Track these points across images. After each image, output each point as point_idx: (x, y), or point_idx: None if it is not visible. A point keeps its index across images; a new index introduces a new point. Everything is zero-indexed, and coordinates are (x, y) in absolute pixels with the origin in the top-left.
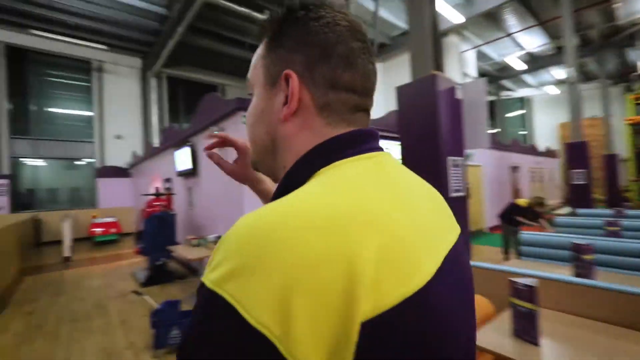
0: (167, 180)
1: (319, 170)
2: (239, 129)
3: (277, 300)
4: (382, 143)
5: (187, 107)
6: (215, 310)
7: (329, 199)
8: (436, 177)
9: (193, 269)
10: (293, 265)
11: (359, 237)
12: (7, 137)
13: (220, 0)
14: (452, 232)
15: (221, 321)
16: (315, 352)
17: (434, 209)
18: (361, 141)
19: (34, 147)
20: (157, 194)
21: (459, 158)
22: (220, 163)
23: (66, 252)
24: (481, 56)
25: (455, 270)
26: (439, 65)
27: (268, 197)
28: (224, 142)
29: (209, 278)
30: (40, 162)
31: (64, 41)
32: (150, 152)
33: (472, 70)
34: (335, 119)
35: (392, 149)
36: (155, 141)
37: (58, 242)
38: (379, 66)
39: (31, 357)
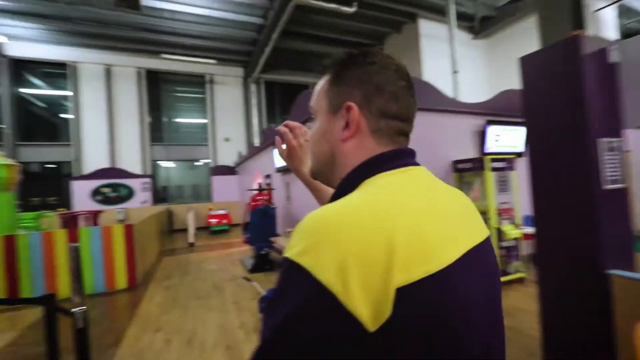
0: (267, 176)
1: (365, 180)
2: None
3: (337, 267)
4: (493, 129)
5: (283, 108)
6: (296, 274)
7: (371, 200)
8: (582, 164)
9: None
10: (346, 244)
11: (392, 227)
12: (149, 144)
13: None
14: (477, 233)
15: (300, 282)
16: (364, 304)
17: (461, 213)
18: (398, 158)
19: (166, 152)
20: (260, 189)
21: (616, 139)
22: (279, 147)
23: (190, 238)
24: (624, 12)
25: (478, 265)
26: (580, 24)
27: (307, 183)
28: (284, 136)
29: (290, 253)
30: (170, 164)
31: (184, 60)
32: (253, 151)
33: (612, 31)
34: (384, 140)
35: (505, 134)
36: (256, 141)
37: (184, 230)
38: (480, 43)
39: (169, 324)
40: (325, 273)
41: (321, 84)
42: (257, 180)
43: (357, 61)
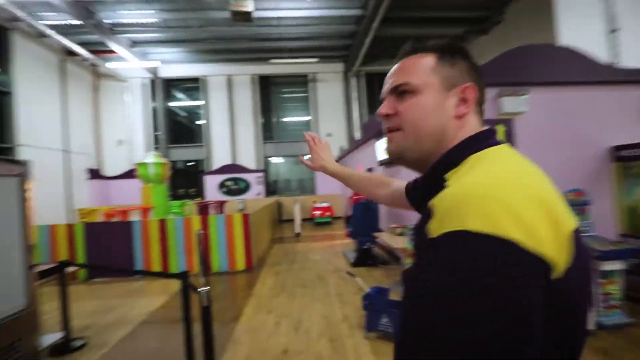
0: (369, 169)
1: (472, 154)
2: None
3: (521, 226)
4: None
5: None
6: (483, 243)
7: (512, 170)
8: None
9: (397, 257)
10: (517, 207)
11: (538, 189)
12: (262, 142)
13: None
14: None
15: (492, 248)
16: (554, 252)
17: None
18: (492, 136)
19: (275, 148)
20: None
21: None
22: (304, 162)
23: (297, 229)
24: None
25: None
26: None
27: (334, 173)
28: (310, 145)
29: (465, 226)
30: (279, 160)
31: (290, 63)
32: (354, 145)
33: None
34: (480, 122)
35: None
36: (357, 135)
37: (291, 221)
38: None
39: (278, 308)
40: (515, 233)
41: (422, 60)
42: None
43: (465, 53)
